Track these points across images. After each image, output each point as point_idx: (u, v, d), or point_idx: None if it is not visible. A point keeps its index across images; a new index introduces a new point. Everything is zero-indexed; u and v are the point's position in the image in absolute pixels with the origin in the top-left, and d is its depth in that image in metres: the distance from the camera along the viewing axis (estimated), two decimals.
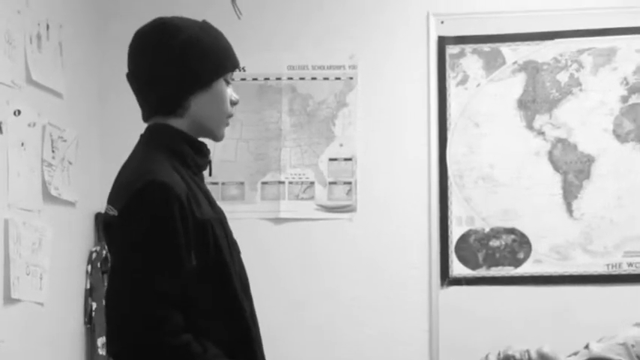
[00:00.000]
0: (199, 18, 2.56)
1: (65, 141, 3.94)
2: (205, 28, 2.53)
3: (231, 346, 2.38)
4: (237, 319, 2.41)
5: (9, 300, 3.46)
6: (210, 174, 2.61)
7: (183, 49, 2.45)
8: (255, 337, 2.45)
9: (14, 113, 3.54)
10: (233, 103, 2.56)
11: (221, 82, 2.51)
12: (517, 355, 2.91)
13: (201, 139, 2.55)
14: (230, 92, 2.55)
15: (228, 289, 2.40)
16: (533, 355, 2.91)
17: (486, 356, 2.99)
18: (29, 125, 3.66)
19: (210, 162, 2.59)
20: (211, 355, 2.31)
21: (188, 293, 2.32)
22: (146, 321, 2.24)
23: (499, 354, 2.96)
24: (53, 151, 3.84)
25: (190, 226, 2.33)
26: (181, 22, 2.51)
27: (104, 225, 2.44)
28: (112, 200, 2.41)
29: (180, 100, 2.47)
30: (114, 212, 2.35)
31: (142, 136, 2.54)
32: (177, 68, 2.45)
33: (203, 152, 2.54)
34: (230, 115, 2.56)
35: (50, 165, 3.80)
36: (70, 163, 3.98)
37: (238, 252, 2.58)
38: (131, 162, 2.46)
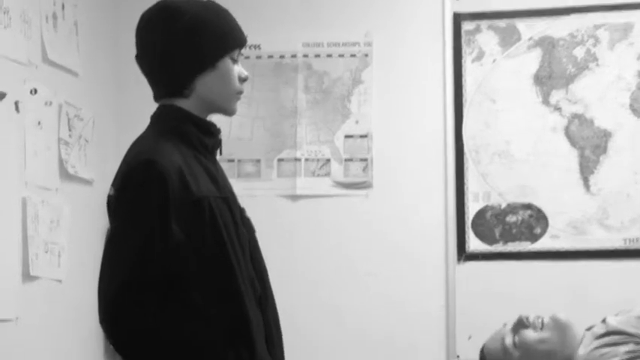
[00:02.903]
0: None
1: (82, 119, 3.95)
2: (209, 7, 2.54)
3: (227, 327, 2.39)
4: (233, 300, 2.41)
5: (28, 277, 3.49)
6: (220, 153, 2.62)
7: (185, 30, 2.47)
8: (255, 319, 2.43)
9: (30, 92, 3.57)
10: (242, 80, 2.57)
11: (226, 60, 2.52)
12: (530, 318, 2.92)
13: (215, 118, 2.57)
14: (238, 69, 2.55)
15: (225, 268, 2.41)
16: (547, 319, 2.92)
17: (501, 336, 2.99)
18: (46, 104, 3.68)
19: (220, 141, 2.60)
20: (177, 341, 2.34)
21: (182, 271, 2.35)
22: (113, 303, 2.32)
23: (513, 335, 2.96)
24: (70, 130, 3.86)
25: (180, 202, 2.34)
26: (185, 2, 2.52)
27: (107, 205, 2.48)
28: (113, 181, 2.45)
29: (185, 82, 2.49)
30: (112, 192, 2.40)
31: (151, 117, 2.56)
32: (180, 50, 2.47)
33: (211, 132, 2.55)
34: (240, 92, 2.57)
35: (67, 143, 3.82)
36: (87, 141, 4.00)
37: (252, 231, 2.58)
38: (135, 144, 2.50)
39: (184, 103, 2.50)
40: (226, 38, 2.52)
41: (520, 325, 2.93)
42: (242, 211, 2.57)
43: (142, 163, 2.36)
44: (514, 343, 2.90)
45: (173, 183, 2.34)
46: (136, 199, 2.34)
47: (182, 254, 2.35)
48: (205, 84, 2.49)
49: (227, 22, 2.54)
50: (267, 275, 2.59)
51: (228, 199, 2.50)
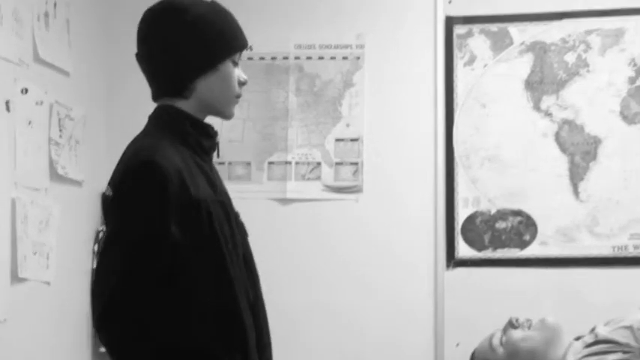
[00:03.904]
0: None
1: (72, 120, 3.94)
2: (213, 8, 2.53)
3: (222, 331, 2.39)
4: (229, 304, 2.41)
5: (16, 279, 3.46)
6: (217, 155, 2.62)
7: (188, 31, 2.46)
8: (248, 323, 2.44)
9: (21, 91, 3.54)
10: (241, 84, 2.57)
11: (227, 63, 2.52)
12: (520, 319, 2.95)
13: (209, 119, 2.56)
14: (238, 73, 2.55)
15: (221, 272, 2.41)
16: (535, 321, 2.94)
17: (491, 336, 3.02)
18: (36, 103, 3.66)
19: (217, 144, 2.60)
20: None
21: (178, 273, 2.35)
22: (109, 304, 2.30)
23: (502, 334, 2.99)
24: (60, 130, 3.84)
25: (179, 203, 2.33)
26: (189, 2, 2.51)
27: (102, 205, 2.48)
28: (110, 181, 2.44)
29: (185, 83, 2.48)
30: (109, 192, 2.39)
31: (148, 117, 2.55)
32: (182, 51, 2.46)
33: (209, 134, 2.55)
34: (238, 96, 2.57)
35: (57, 144, 3.81)
36: (77, 142, 3.99)
37: (245, 235, 2.58)
38: (132, 143, 2.49)
39: (183, 104, 2.50)
40: (229, 40, 2.52)
41: (510, 325, 2.96)
42: (236, 215, 2.57)
43: (142, 162, 2.34)
44: (501, 342, 2.92)
45: (173, 184, 2.33)
46: (136, 199, 2.33)
47: (179, 257, 2.34)
48: (206, 86, 2.49)
49: (231, 24, 2.54)
50: (258, 280, 2.59)
51: (225, 202, 2.51)
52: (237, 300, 2.42)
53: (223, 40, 2.50)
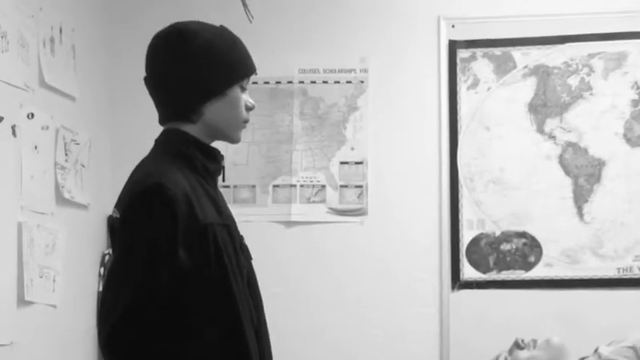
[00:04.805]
0: (210, 21, 2.56)
1: (78, 144, 3.96)
2: (222, 34, 2.52)
3: (228, 356, 2.40)
4: (235, 329, 2.40)
5: (22, 302, 3.47)
6: (223, 179, 2.62)
7: (197, 56, 2.45)
8: (253, 348, 2.44)
9: (27, 116, 3.56)
10: (249, 109, 2.56)
11: (235, 89, 2.50)
12: (526, 340, 2.97)
13: (215, 143, 2.56)
14: (245, 98, 2.54)
15: (228, 297, 2.40)
16: (540, 341, 2.96)
17: (497, 357, 3.03)
18: (42, 128, 3.68)
19: (223, 167, 2.60)
20: None
21: (185, 297, 2.34)
22: (115, 328, 2.28)
23: (508, 355, 3.00)
24: (66, 154, 3.86)
25: (187, 227, 2.33)
26: (198, 27, 2.50)
27: (109, 228, 2.47)
28: (117, 203, 2.43)
29: (193, 108, 2.47)
30: (117, 215, 2.39)
31: (155, 140, 2.55)
32: (190, 76, 2.44)
33: (215, 158, 2.55)
34: (246, 121, 2.57)
35: (63, 168, 3.82)
36: (83, 166, 4.00)
37: (249, 258, 2.58)
38: (140, 167, 2.48)
39: (190, 129, 2.48)
40: (238, 66, 2.51)
41: (516, 346, 2.98)
42: (241, 238, 2.57)
43: (150, 186, 2.32)
44: None
45: (181, 208, 2.31)
46: (145, 223, 2.32)
47: (186, 280, 2.34)
48: (214, 111, 2.48)
49: (239, 50, 2.53)
50: (262, 304, 2.58)
51: (230, 226, 2.50)
52: (242, 325, 2.40)
53: (232, 66, 2.49)
